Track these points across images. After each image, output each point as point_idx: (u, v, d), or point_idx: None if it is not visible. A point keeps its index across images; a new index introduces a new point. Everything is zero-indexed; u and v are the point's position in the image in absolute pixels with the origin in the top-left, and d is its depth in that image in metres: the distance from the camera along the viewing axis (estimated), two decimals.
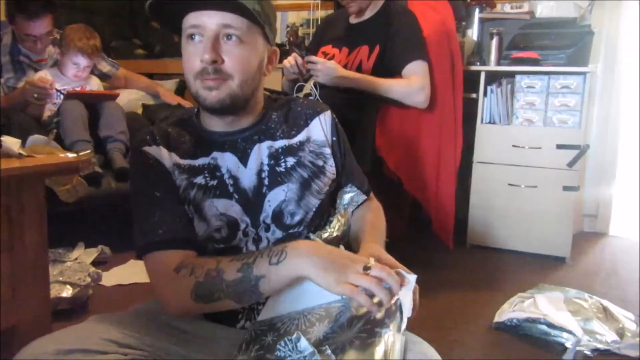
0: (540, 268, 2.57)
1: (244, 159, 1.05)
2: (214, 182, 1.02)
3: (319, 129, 1.11)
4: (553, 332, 1.79)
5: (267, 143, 1.07)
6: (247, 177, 1.04)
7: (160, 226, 0.97)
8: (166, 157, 1.03)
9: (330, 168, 1.11)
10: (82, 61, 2.58)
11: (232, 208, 1.02)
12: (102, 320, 0.92)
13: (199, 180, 1.02)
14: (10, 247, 1.00)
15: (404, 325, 0.87)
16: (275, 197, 1.04)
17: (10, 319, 1.02)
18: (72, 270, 2.00)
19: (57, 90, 2.50)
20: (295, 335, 0.83)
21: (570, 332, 1.76)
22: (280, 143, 1.07)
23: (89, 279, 1.98)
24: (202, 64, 0.95)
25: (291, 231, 1.05)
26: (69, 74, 2.59)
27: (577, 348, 1.70)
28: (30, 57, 2.64)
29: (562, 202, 2.65)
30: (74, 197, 2.23)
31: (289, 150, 1.07)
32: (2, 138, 1.07)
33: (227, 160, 1.04)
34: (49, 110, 2.49)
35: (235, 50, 0.96)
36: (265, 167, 1.05)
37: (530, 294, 2.04)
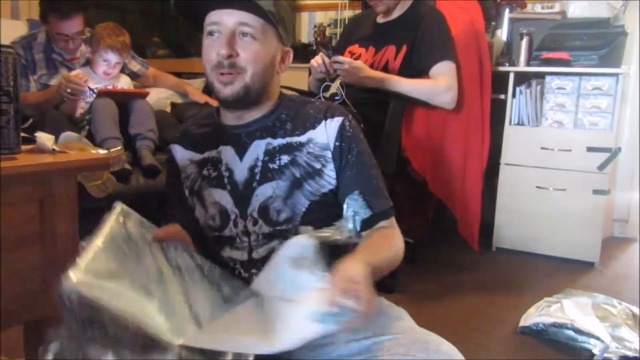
0: (568, 273, 2.52)
1: (241, 153, 1.10)
2: (215, 173, 1.12)
3: (323, 132, 1.10)
4: (580, 337, 1.76)
5: (267, 140, 1.10)
6: (241, 170, 1.10)
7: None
8: (180, 154, 1.18)
9: (330, 172, 1.09)
10: (112, 57, 2.63)
11: (225, 198, 1.10)
12: None
13: (205, 171, 1.13)
14: (42, 239, 1.02)
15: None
16: (264, 193, 1.08)
17: (40, 311, 1.05)
18: None
19: (90, 89, 2.56)
20: None
21: (597, 338, 1.73)
22: (279, 141, 1.10)
23: None
24: (219, 57, 1.03)
25: (279, 228, 1.06)
26: (100, 71, 2.64)
27: (605, 355, 1.67)
28: (63, 55, 2.70)
29: (591, 206, 2.60)
30: (103, 192, 2.27)
31: (286, 149, 1.09)
32: (37, 134, 1.11)
33: (227, 154, 1.11)
34: (81, 108, 2.55)
35: (249, 46, 1.04)
36: (259, 163, 1.09)
37: (557, 299, 2.00)
